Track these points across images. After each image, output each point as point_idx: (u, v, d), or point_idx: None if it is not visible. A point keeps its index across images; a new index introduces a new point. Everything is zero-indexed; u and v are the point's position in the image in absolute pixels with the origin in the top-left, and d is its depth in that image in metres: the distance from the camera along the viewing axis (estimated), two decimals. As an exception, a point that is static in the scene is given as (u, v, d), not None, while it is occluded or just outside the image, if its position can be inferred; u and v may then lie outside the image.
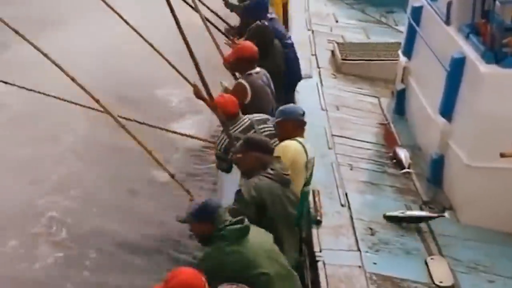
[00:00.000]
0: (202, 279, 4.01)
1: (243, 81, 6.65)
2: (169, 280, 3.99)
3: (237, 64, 6.82)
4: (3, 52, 12.18)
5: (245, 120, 6.14)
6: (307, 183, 5.64)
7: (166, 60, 7.31)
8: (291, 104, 5.95)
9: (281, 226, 5.08)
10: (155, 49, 7.41)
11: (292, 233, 5.27)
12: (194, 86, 6.09)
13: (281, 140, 5.73)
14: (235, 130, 6.00)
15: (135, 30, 7.49)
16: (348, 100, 8.95)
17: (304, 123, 5.80)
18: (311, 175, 5.69)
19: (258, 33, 7.41)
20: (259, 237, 4.60)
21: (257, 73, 6.73)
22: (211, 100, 5.91)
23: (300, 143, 5.62)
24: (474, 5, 6.88)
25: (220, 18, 8.96)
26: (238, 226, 4.48)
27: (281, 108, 5.88)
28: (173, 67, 7.23)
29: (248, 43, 6.95)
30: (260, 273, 4.40)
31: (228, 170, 6.05)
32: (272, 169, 5.14)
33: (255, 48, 6.81)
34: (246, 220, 4.54)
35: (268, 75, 6.84)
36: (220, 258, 4.40)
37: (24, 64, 9.85)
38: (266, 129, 6.10)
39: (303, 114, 5.82)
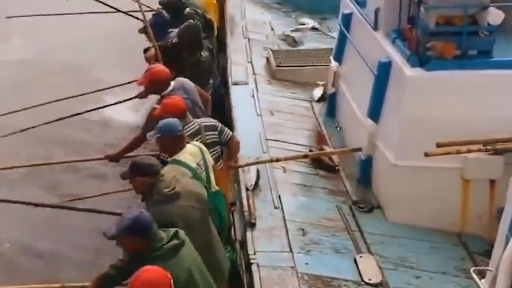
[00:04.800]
0: (168, 275, 3.88)
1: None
2: (134, 280, 3.84)
3: (151, 88, 6.75)
4: None
5: (194, 125, 6.07)
6: (208, 185, 5.55)
7: None
8: (169, 119, 5.66)
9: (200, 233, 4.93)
10: None
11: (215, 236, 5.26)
12: None
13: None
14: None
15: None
16: (282, 105, 9.08)
17: (182, 137, 5.59)
18: (208, 177, 5.61)
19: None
20: (189, 249, 4.45)
21: (172, 90, 6.56)
22: None
23: (179, 162, 5.44)
24: (400, 11, 7.04)
25: None
26: (175, 242, 4.30)
27: (159, 124, 5.61)
28: None
29: (160, 66, 6.91)
30: None
31: None
32: (158, 194, 4.88)
33: (167, 70, 6.74)
34: (181, 233, 4.39)
35: (188, 84, 6.75)
36: None
37: None
38: (212, 136, 6.11)
39: (181, 129, 5.61)
